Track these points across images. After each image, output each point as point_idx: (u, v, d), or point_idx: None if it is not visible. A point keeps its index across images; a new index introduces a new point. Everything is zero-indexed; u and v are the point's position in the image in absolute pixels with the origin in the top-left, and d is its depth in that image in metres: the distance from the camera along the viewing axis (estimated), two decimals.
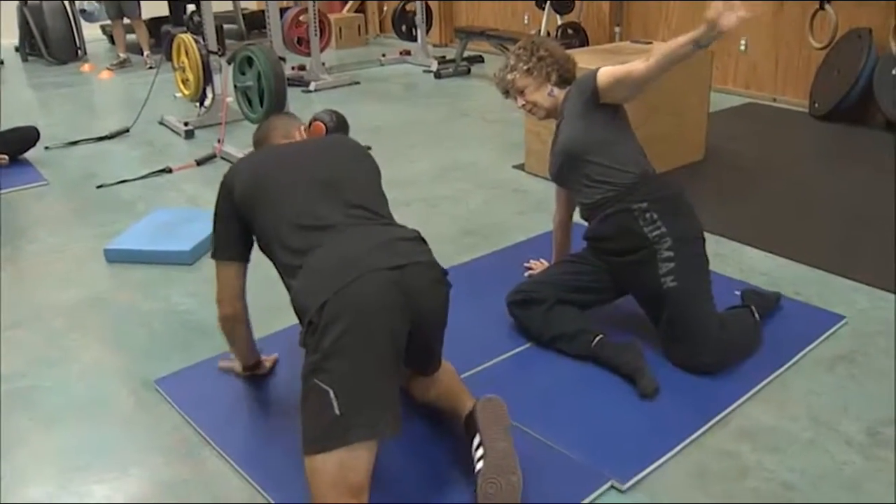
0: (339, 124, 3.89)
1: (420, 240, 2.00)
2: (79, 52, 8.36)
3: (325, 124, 3.82)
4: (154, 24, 8.04)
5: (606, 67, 2.48)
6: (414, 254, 1.90)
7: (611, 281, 2.54)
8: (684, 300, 2.36)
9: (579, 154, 2.52)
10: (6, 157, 4.68)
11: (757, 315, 2.56)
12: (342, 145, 2.28)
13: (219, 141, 4.82)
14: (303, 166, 2.09)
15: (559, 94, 2.61)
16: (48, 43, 8.10)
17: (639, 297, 2.52)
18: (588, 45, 6.54)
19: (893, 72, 4.85)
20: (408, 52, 7.78)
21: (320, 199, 1.99)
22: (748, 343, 2.48)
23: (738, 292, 2.73)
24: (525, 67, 2.60)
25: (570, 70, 2.64)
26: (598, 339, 2.42)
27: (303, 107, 5.53)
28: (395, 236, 1.94)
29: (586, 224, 2.63)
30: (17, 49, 8.52)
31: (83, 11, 8.19)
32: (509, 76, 2.62)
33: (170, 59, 5.50)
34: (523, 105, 2.66)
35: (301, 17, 6.99)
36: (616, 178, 2.47)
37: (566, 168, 2.59)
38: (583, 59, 4.09)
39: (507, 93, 2.70)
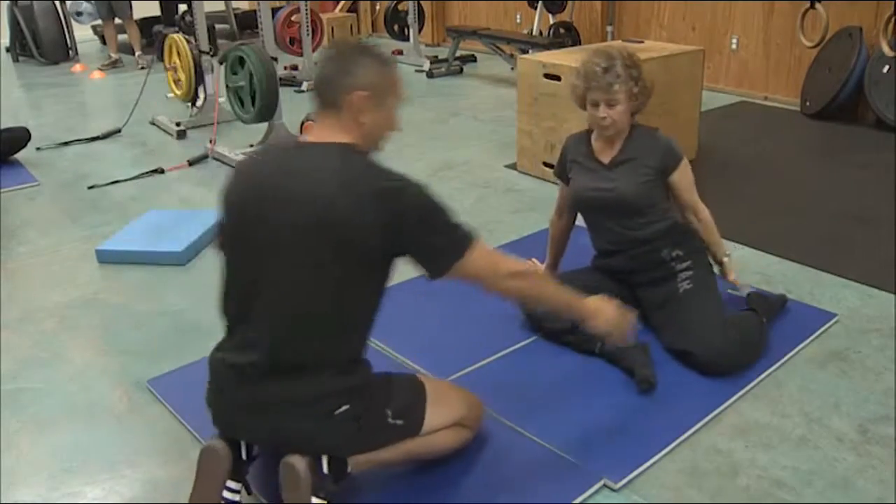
0: None
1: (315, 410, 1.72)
2: (70, 52, 8.30)
3: None
4: (146, 24, 7.99)
5: (688, 172, 2.57)
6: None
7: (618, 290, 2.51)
8: (699, 295, 2.47)
9: (627, 208, 2.51)
10: None
11: (763, 318, 2.56)
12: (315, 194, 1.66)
13: (211, 141, 4.81)
14: (253, 222, 1.72)
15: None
16: (39, 43, 8.06)
17: (649, 302, 2.57)
18: (580, 44, 6.54)
19: (884, 70, 4.87)
20: (400, 52, 7.77)
21: (239, 306, 1.79)
22: (754, 344, 2.47)
23: (747, 293, 2.69)
24: (630, 85, 2.43)
25: (645, 103, 2.58)
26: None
27: (295, 107, 5.52)
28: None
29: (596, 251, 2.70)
30: (7, 49, 8.47)
31: (77, 13, 8.15)
32: (616, 86, 2.40)
33: (161, 59, 5.49)
34: (604, 116, 2.45)
35: (293, 17, 6.97)
36: (648, 229, 2.53)
37: (604, 207, 2.57)
38: (575, 58, 4.12)
39: (590, 90, 2.45)
